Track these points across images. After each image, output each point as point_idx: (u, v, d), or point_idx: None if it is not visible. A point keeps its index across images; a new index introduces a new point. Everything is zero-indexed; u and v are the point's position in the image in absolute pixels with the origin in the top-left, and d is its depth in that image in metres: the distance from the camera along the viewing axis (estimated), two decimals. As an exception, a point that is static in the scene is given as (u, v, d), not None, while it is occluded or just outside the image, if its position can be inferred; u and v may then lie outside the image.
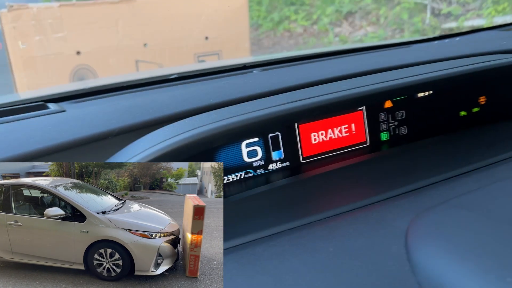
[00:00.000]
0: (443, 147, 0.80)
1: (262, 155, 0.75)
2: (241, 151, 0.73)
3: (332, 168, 0.76)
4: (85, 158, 0.66)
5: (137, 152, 0.59)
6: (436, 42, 1.22)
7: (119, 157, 0.62)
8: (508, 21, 1.41)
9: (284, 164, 0.76)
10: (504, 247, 0.43)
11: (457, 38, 1.23)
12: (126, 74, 1.07)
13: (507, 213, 0.49)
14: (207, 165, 1.47)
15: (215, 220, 1.38)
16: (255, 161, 0.74)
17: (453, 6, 5.69)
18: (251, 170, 0.74)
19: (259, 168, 0.75)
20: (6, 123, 0.78)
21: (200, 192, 1.54)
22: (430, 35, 1.29)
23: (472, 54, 0.93)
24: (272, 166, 0.76)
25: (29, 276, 0.82)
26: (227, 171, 0.73)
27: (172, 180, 1.51)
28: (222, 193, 0.73)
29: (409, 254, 0.48)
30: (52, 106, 0.88)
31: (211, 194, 1.50)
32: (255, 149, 0.74)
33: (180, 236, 0.87)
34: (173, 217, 0.90)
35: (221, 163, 0.72)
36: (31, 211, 0.82)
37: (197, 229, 0.76)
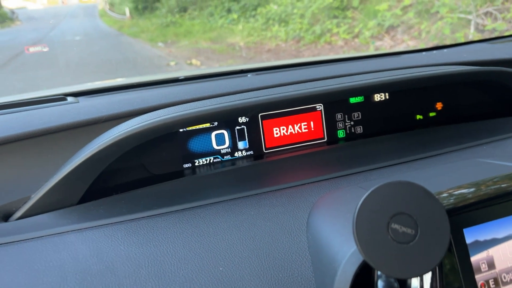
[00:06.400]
0: (396, 143, 0.90)
1: (229, 144, 0.88)
2: (211, 140, 0.87)
3: (292, 155, 0.88)
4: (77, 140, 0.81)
5: (112, 133, 0.74)
6: (424, 53, 1.30)
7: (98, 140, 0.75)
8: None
9: (248, 153, 0.89)
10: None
11: (445, 50, 1.31)
12: (146, 75, 1.24)
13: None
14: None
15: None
16: (222, 149, 0.88)
17: (498, 22, 5.54)
18: (218, 156, 0.88)
19: (226, 155, 0.88)
20: (30, 111, 0.97)
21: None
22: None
23: (433, 64, 1.02)
24: (237, 154, 0.89)
25: None
26: (198, 155, 0.87)
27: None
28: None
29: (308, 217, 0.60)
30: (69, 99, 1.06)
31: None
32: (223, 139, 0.87)
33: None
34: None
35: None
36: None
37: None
